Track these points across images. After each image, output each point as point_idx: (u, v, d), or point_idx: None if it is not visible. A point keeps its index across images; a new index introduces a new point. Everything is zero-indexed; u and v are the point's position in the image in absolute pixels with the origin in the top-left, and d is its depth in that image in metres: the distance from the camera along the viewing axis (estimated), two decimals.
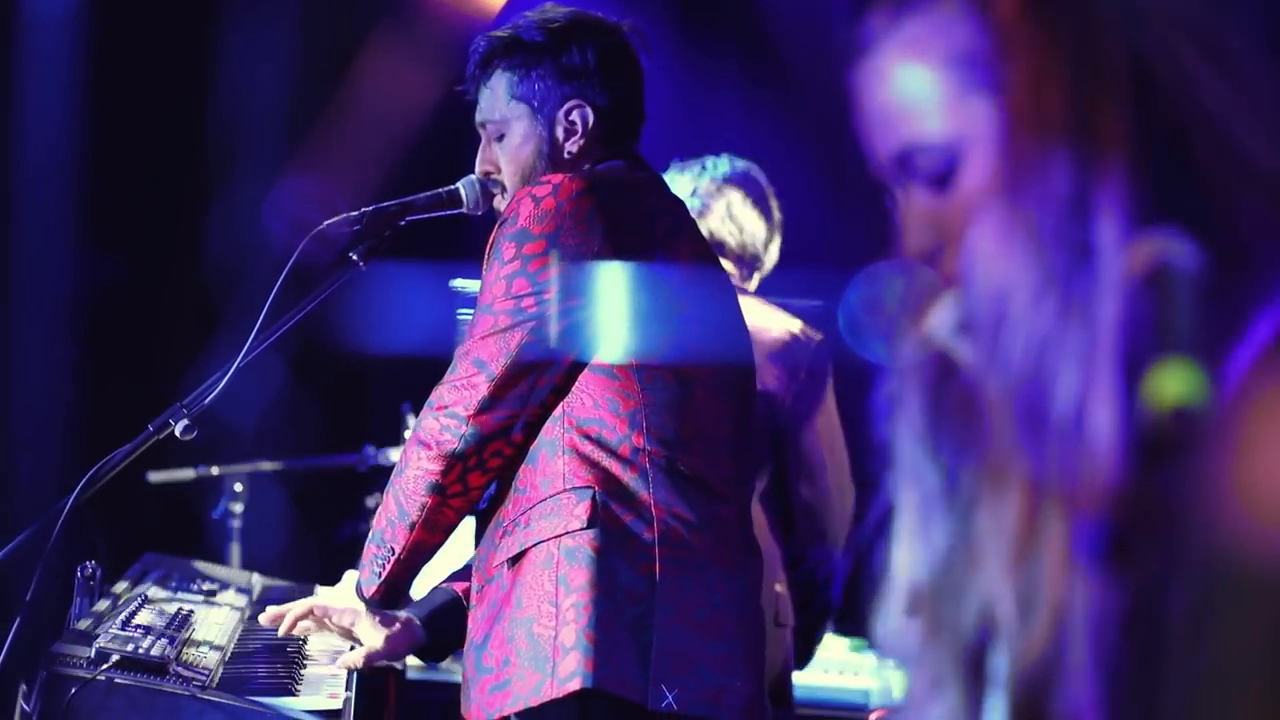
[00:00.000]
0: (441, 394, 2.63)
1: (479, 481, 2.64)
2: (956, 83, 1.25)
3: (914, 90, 1.27)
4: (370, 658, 2.72)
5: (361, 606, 2.71)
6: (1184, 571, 1.11)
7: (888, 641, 1.34)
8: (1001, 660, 1.22)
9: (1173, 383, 1.07)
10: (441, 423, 2.61)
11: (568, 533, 2.53)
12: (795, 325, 3.67)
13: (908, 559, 1.32)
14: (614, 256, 2.59)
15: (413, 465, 2.63)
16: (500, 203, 2.80)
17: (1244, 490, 1.09)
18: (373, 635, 2.71)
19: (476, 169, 2.83)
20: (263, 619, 2.79)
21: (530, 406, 2.61)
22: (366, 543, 2.72)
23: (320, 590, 2.91)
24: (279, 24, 5.21)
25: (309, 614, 2.74)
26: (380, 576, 2.67)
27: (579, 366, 2.60)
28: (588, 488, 2.56)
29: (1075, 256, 1.19)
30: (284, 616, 2.76)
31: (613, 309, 2.60)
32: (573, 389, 2.60)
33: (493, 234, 2.66)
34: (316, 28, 5.43)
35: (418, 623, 2.76)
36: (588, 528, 2.53)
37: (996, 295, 1.21)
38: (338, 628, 2.74)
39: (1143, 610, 1.14)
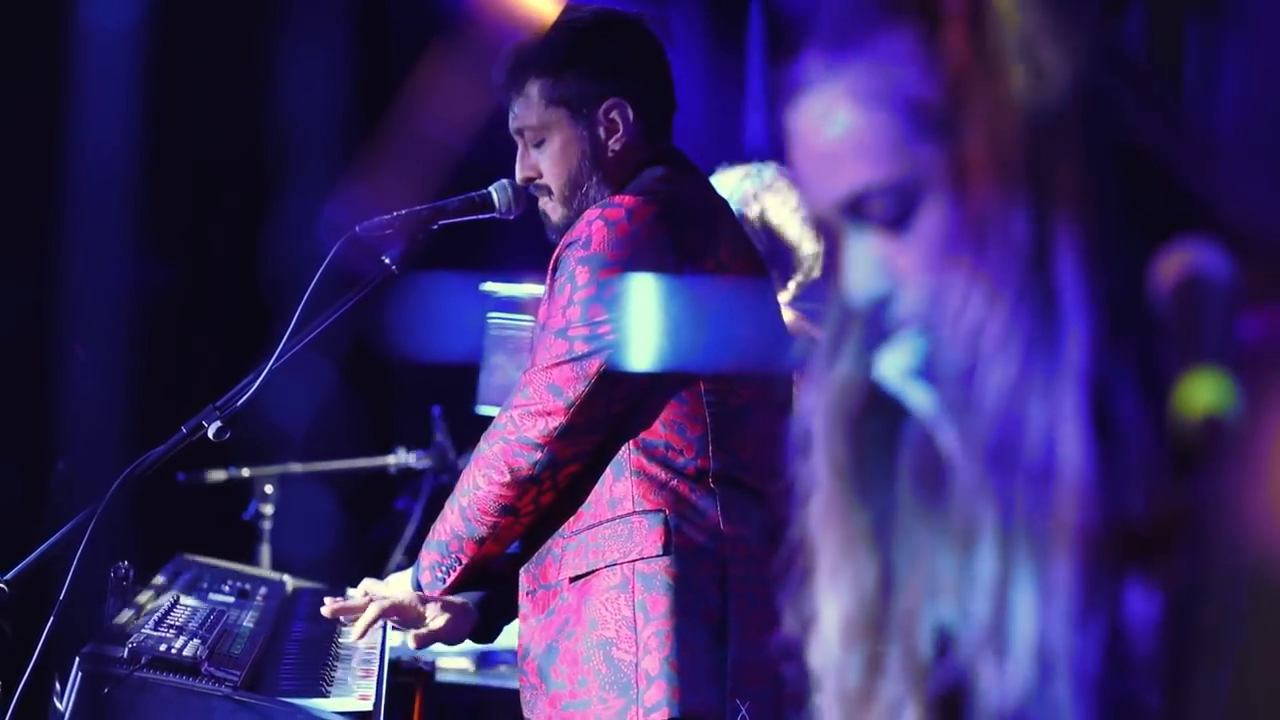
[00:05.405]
0: (514, 419, 2.65)
1: (550, 500, 2.69)
2: (908, 126, 1.23)
3: (865, 133, 1.24)
4: (435, 638, 2.77)
5: (415, 596, 2.77)
6: (1214, 581, 1.11)
7: (826, 675, 1.35)
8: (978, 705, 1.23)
9: (1202, 392, 1.08)
10: (514, 448, 2.64)
11: (642, 558, 2.58)
12: (816, 332, 3.66)
13: (833, 595, 1.33)
14: (686, 281, 2.61)
15: (484, 487, 2.67)
16: (547, 204, 2.81)
17: (1273, 499, 1.09)
18: (439, 619, 2.76)
19: (517, 176, 2.83)
20: (327, 611, 2.80)
21: (603, 430, 2.64)
22: (425, 548, 2.79)
23: (366, 586, 2.91)
24: (335, 35, 5.23)
25: (381, 616, 2.76)
26: (445, 582, 2.76)
27: (652, 391, 2.63)
28: (658, 511, 2.60)
29: (1038, 302, 1.18)
30: (349, 611, 2.77)
31: (684, 334, 2.62)
32: (639, 411, 2.64)
33: (558, 252, 2.67)
34: (371, 39, 5.45)
35: (471, 606, 2.80)
36: (663, 554, 2.58)
37: (964, 342, 1.21)
38: (407, 619, 2.78)
39: (1175, 620, 1.14)
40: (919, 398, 1.26)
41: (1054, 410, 1.17)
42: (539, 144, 2.79)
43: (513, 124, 2.82)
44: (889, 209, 1.24)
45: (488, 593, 2.83)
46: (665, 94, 2.84)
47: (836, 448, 1.34)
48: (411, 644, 2.79)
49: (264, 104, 5.20)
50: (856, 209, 1.26)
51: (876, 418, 1.31)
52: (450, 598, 2.78)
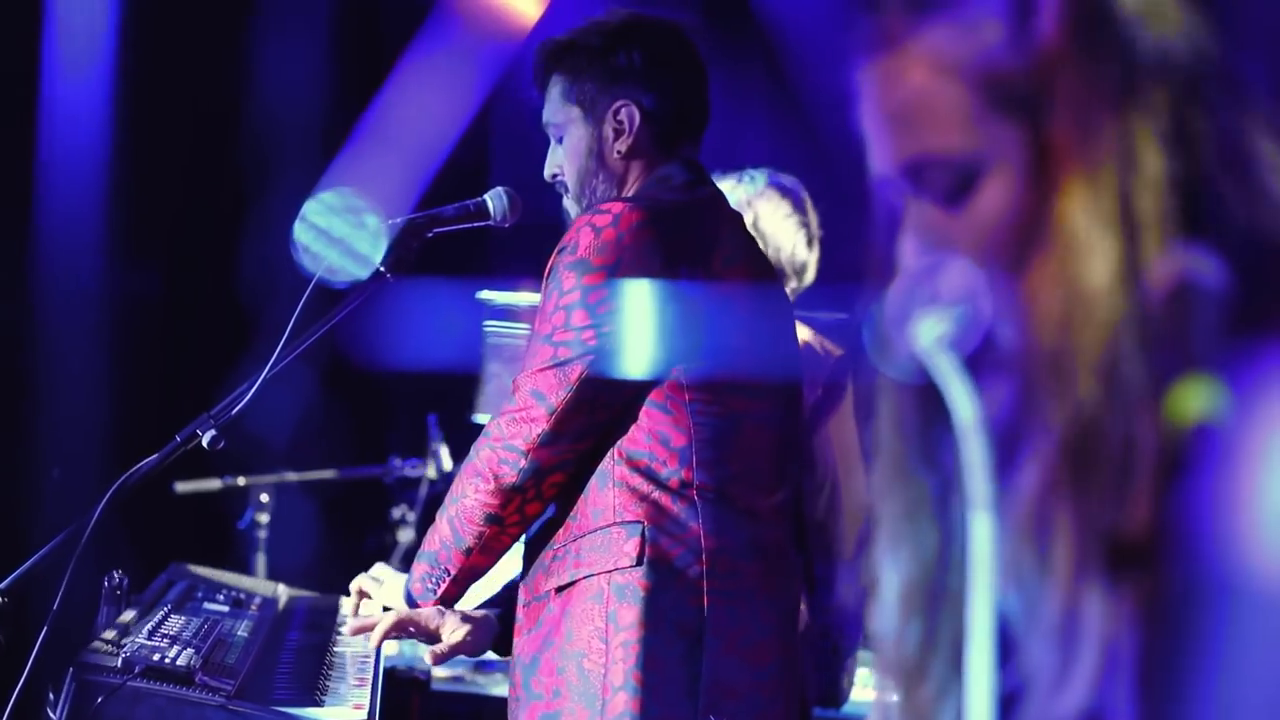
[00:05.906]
0: (499, 426, 2.65)
1: (536, 510, 2.67)
2: (984, 98, 1.18)
3: (935, 100, 1.20)
4: (457, 650, 2.75)
5: (434, 610, 2.75)
6: (1201, 588, 1.10)
7: (884, 649, 1.32)
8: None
9: (1193, 398, 1.07)
10: (500, 455, 2.63)
11: (617, 569, 2.57)
12: (814, 339, 3.66)
13: (895, 562, 1.30)
14: (672, 289, 2.60)
15: (470, 496, 2.66)
16: (566, 201, 2.83)
17: (1261, 506, 1.08)
18: (459, 633, 2.74)
19: (545, 171, 2.86)
20: (348, 630, 2.82)
21: (588, 439, 2.62)
22: (416, 559, 2.77)
23: (361, 582, 2.91)
24: (314, 38, 5.23)
25: (396, 626, 2.75)
26: (435, 593, 2.74)
27: (636, 399, 2.61)
28: (637, 522, 2.58)
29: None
30: (368, 629, 2.77)
31: (670, 342, 2.60)
32: (624, 420, 2.62)
33: (551, 259, 2.67)
34: (351, 42, 5.46)
35: (493, 618, 2.79)
36: (636, 565, 2.56)
37: (1038, 327, 1.17)
38: (424, 633, 2.77)
39: (1159, 628, 1.14)
40: (946, 369, 1.21)
41: (1135, 401, 1.13)
42: (560, 140, 2.82)
43: (543, 118, 2.86)
44: (945, 181, 1.20)
45: (509, 607, 2.81)
46: (685, 102, 2.83)
47: (900, 415, 1.30)
48: (428, 659, 2.77)
49: (243, 108, 5.20)
50: (914, 176, 1.22)
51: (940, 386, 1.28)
52: (472, 611, 2.77)
